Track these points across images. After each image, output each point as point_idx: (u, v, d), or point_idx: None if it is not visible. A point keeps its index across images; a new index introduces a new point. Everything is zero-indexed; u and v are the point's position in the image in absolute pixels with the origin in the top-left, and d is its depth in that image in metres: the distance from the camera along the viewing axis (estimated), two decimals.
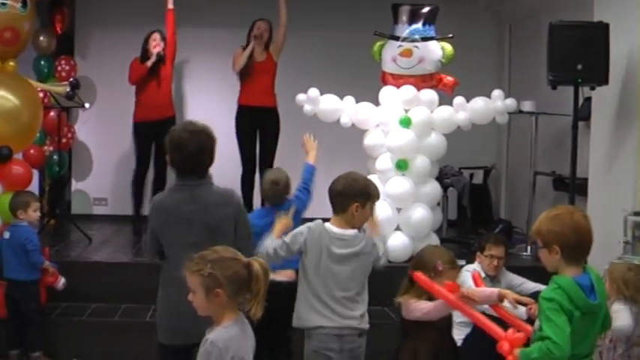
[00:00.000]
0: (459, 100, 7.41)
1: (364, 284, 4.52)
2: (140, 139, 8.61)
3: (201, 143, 4.12)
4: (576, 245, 3.46)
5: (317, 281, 4.35)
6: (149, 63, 8.35)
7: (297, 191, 5.56)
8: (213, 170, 4.28)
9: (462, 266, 6.18)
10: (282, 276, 4.98)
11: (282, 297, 4.56)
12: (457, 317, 5.98)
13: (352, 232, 4.41)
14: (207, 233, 4.02)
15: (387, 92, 7.49)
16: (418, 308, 4.33)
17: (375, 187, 4.55)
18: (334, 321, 4.35)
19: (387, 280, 7.06)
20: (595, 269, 3.60)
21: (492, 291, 4.47)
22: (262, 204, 6.21)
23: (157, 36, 8.50)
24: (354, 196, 4.36)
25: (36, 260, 6.12)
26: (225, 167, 5.48)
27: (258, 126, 8.47)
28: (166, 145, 4.19)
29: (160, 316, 4.27)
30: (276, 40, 8.54)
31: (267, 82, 8.43)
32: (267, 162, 8.21)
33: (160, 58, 8.42)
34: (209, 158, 4.16)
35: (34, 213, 6.26)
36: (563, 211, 3.55)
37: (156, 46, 8.44)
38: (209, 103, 9.62)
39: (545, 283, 5.72)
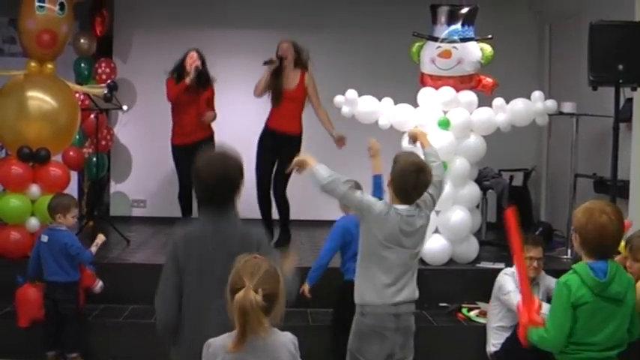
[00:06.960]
0: (498, 101, 7.33)
1: None
2: (178, 163, 8.34)
3: (218, 173, 3.69)
4: (593, 242, 3.58)
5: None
6: (188, 80, 7.93)
7: None
8: None
9: (501, 269, 6.15)
10: None
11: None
12: (494, 322, 5.96)
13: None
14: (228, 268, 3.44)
15: (425, 94, 7.43)
16: None
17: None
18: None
19: (427, 284, 7.05)
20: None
21: None
22: None
23: (194, 54, 8.09)
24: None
25: (84, 259, 6.13)
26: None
27: (279, 151, 7.92)
28: None
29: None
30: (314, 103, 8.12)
31: (295, 110, 8.10)
32: (281, 185, 7.97)
33: (200, 75, 8.04)
34: (228, 188, 3.72)
35: (72, 218, 6.22)
36: (595, 207, 3.62)
37: (192, 63, 8.00)
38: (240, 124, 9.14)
39: None
